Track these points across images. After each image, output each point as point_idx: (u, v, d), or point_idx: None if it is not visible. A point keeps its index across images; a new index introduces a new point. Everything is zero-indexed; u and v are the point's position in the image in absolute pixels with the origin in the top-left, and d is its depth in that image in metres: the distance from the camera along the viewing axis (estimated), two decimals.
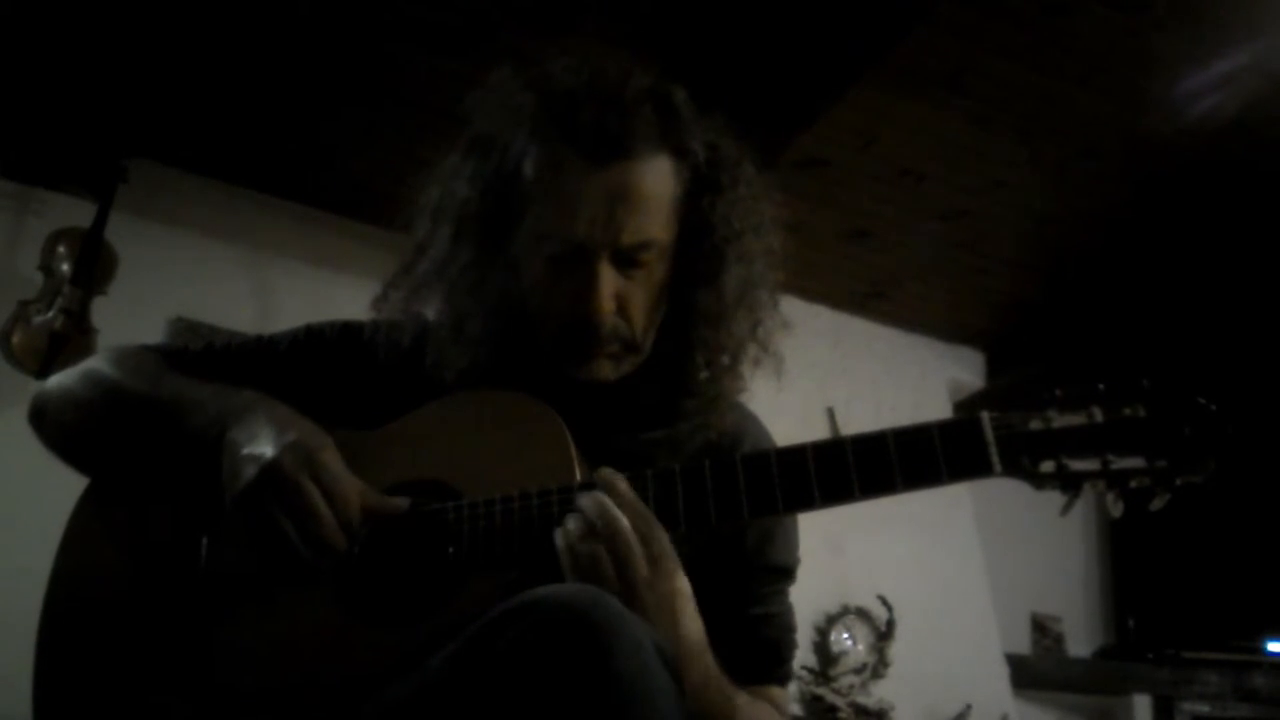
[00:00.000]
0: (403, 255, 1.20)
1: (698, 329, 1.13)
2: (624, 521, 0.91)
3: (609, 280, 1.07)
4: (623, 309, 1.09)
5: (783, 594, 1.19)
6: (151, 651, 1.04)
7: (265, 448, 0.99)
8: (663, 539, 0.93)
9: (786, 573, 1.19)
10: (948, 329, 4.10)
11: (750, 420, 1.23)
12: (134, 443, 1.14)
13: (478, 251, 1.13)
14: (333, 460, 1.01)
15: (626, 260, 1.08)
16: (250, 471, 0.98)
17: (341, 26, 2.75)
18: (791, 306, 1.21)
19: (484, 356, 1.12)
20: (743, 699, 1.02)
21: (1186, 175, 3.13)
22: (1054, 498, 0.91)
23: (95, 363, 1.21)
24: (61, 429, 1.20)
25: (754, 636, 1.13)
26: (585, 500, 0.93)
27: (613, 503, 0.92)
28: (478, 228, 1.13)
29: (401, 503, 1.03)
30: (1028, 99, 2.86)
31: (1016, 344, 4.05)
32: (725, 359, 1.15)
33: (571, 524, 0.93)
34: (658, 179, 1.08)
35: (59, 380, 1.22)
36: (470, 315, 1.13)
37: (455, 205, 1.14)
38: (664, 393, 1.14)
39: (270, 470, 0.98)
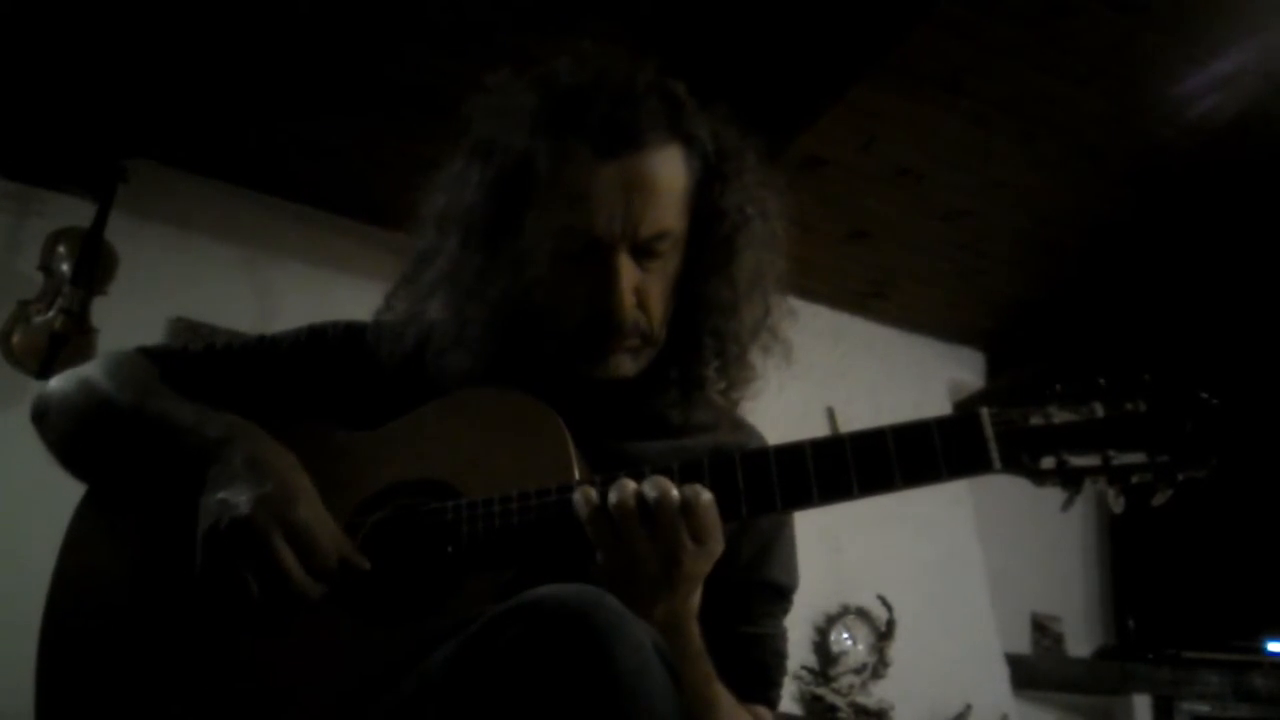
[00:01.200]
0: (405, 265, 1.19)
1: (710, 318, 1.12)
2: (675, 494, 0.90)
3: (629, 274, 1.06)
4: (641, 302, 1.08)
5: (776, 617, 1.17)
6: (153, 654, 1.04)
7: (240, 497, 0.98)
8: (711, 514, 0.91)
9: (782, 594, 1.17)
10: (948, 329, 4.10)
11: (755, 434, 1.22)
12: (123, 460, 1.14)
13: (485, 257, 1.11)
14: (307, 513, 0.99)
15: (644, 252, 1.07)
16: (223, 521, 0.97)
17: (341, 26, 2.75)
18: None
19: (487, 358, 1.11)
20: (727, 694, 1.02)
21: (1186, 175, 3.13)
22: (1054, 497, 0.90)
23: (93, 370, 1.20)
24: (59, 436, 1.20)
25: (743, 656, 1.10)
26: (644, 484, 0.92)
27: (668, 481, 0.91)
28: (484, 233, 1.11)
29: (363, 562, 1.01)
30: (1028, 99, 2.86)
31: (1016, 344, 4.04)
32: (735, 348, 1.13)
33: (614, 496, 0.91)
34: (671, 168, 1.08)
35: (60, 384, 1.21)
36: (473, 318, 1.12)
37: (461, 212, 1.13)
38: (670, 387, 1.14)
39: (241, 525, 0.96)
